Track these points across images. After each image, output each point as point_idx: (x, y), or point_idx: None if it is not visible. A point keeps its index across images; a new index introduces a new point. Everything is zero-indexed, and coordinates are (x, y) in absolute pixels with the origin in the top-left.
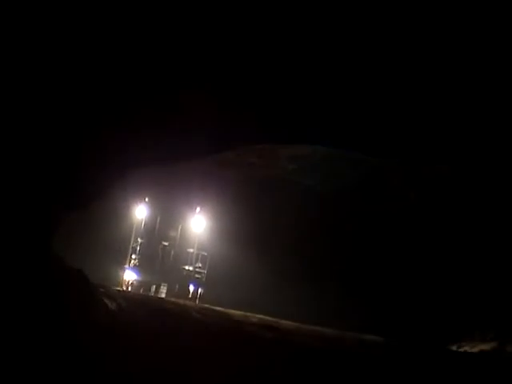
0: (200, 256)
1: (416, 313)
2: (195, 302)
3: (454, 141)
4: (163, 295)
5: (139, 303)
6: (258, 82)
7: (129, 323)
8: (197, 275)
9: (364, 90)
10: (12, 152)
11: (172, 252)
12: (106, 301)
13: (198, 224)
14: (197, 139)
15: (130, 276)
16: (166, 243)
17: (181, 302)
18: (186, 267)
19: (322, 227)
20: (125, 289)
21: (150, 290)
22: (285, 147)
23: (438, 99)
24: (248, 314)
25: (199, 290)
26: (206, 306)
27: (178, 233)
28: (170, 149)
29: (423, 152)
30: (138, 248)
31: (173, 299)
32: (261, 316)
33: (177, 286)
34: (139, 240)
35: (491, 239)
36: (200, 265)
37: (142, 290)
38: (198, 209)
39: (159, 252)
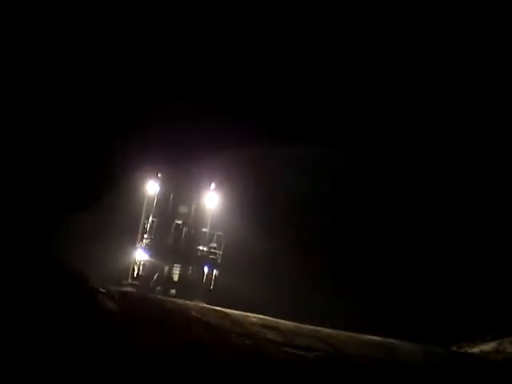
0: (215, 236)
1: (415, 313)
2: (209, 285)
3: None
4: (176, 277)
5: (139, 303)
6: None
7: (128, 323)
8: (211, 256)
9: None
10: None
11: (185, 231)
12: (106, 301)
13: (213, 202)
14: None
15: (141, 257)
16: (179, 222)
17: (181, 301)
18: (201, 247)
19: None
20: (136, 270)
21: (162, 272)
22: None
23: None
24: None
25: (214, 272)
26: (207, 306)
27: (192, 211)
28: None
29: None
30: (150, 227)
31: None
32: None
33: (190, 268)
34: (151, 218)
35: (491, 239)
36: (215, 245)
37: (154, 272)
38: (213, 185)
39: (172, 231)
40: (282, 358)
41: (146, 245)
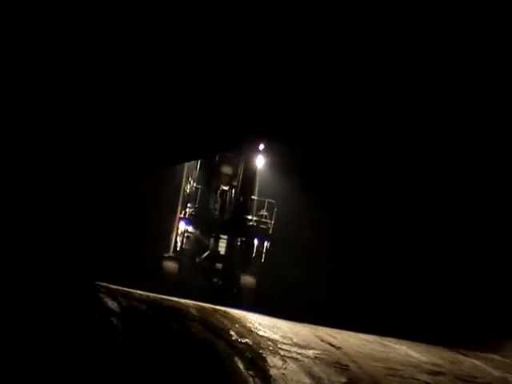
0: (266, 204)
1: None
2: (260, 258)
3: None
4: (222, 250)
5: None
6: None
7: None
8: (262, 226)
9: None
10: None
11: (232, 199)
12: (107, 299)
13: (262, 165)
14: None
15: (184, 228)
16: (225, 188)
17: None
18: (249, 217)
19: None
20: (179, 244)
21: (207, 245)
22: None
23: None
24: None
25: (265, 245)
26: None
27: (240, 176)
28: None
29: None
30: (194, 195)
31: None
32: None
33: (239, 240)
34: (194, 185)
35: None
36: (266, 213)
37: (198, 245)
38: (262, 146)
39: (217, 199)
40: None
41: (189, 215)
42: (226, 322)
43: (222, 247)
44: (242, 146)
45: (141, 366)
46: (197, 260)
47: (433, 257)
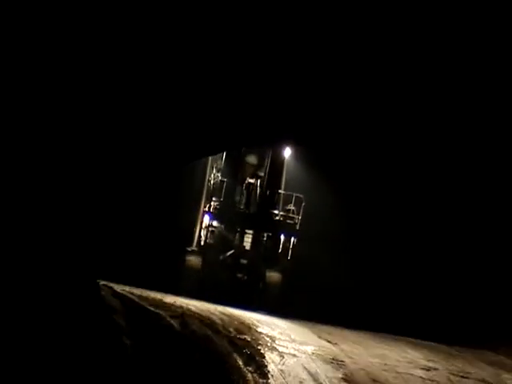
0: (293, 198)
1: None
2: (286, 255)
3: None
4: (248, 245)
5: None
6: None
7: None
8: (288, 221)
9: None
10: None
11: (258, 192)
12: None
13: (290, 157)
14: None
15: (208, 222)
16: (251, 181)
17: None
18: (276, 211)
19: None
20: (203, 238)
21: (232, 239)
22: None
23: None
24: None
25: (292, 240)
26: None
27: (266, 168)
28: None
29: None
30: (219, 188)
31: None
32: None
33: (265, 235)
34: (219, 176)
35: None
36: (293, 208)
37: (222, 240)
38: (290, 140)
39: (243, 192)
40: None
41: (214, 208)
42: (225, 318)
43: (248, 242)
44: (270, 143)
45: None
46: (221, 257)
47: (435, 256)
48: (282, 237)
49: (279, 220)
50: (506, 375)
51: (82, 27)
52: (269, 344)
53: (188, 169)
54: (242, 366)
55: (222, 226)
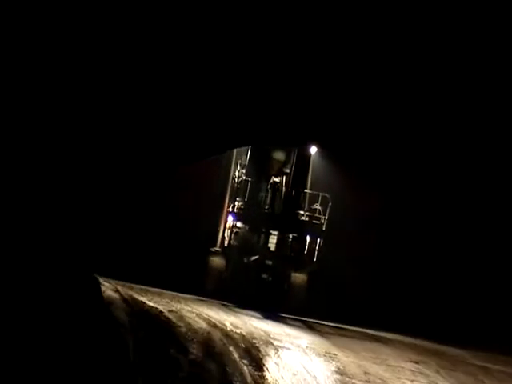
0: (319, 198)
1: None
2: (312, 256)
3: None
4: (273, 246)
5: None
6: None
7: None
8: (315, 221)
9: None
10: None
11: (284, 191)
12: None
13: (316, 154)
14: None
15: (232, 223)
16: (276, 180)
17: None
18: (302, 212)
19: None
20: (227, 241)
21: (257, 240)
22: None
23: None
24: None
25: (318, 241)
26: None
27: (292, 166)
28: None
29: None
30: (243, 188)
31: None
32: None
33: (290, 236)
34: (243, 173)
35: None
36: (319, 208)
37: (247, 241)
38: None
39: (268, 192)
40: None
41: (238, 209)
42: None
43: (272, 243)
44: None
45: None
46: (245, 260)
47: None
48: (308, 238)
49: (305, 220)
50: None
51: (83, 27)
52: None
53: (213, 165)
54: None
55: (247, 227)
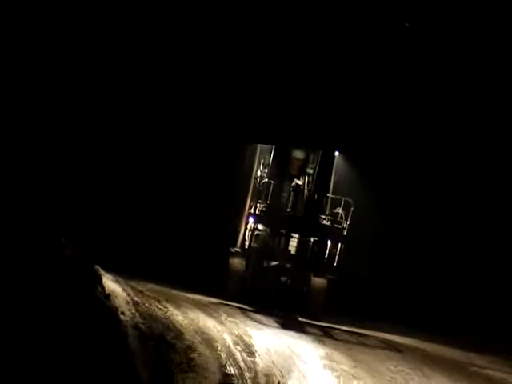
0: (342, 203)
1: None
2: (333, 261)
3: None
4: (293, 249)
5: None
6: None
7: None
8: (336, 226)
9: None
10: None
11: (306, 195)
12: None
13: (340, 159)
14: None
15: (253, 225)
16: (299, 182)
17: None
18: (323, 216)
19: None
20: (247, 242)
21: (277, 243)
22: None
23: None
24: None
25: (339, 246)
26: None
27: (315, 169)
28: None
29: None
30: (265, 190)
31: None
32: None
33: (311, 240)
34: (265, 173)
35: None
36: (341, 212)
37: (267, 243)
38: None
39: (290, 194)
40: None
41: (260, 211)
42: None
43: (293, 246)
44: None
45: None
46: (265, 264)
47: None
48: (329, 242)
49: (326, 225)
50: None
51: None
52: None
53: (236, 163)
54: None
55: (268, 230)
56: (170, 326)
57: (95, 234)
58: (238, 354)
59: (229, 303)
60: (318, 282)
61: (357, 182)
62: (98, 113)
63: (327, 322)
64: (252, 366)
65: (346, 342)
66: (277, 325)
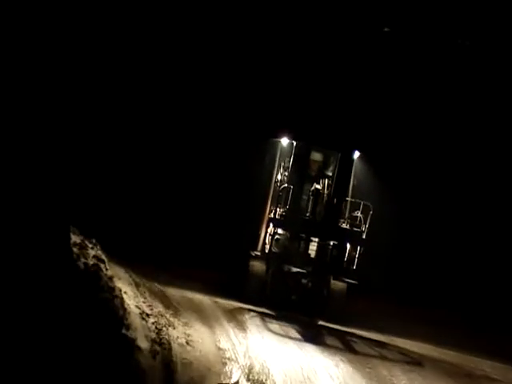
0: (361, 206)
1: None
2: (352, 264)
3: None
4: (313, 253)
5: None
6: None
7: None
8: (355, 229)
9: None
10: None
11: (325, 199)
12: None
13: (359, 165)
14: None
15: (273, 229)
16: (318, 186)
17: None
18: (342, 220)
19: None
20: (267, 245)
21: (297, 247)
22: None
23: None
24: None
25: (358, 249)
26: None
27: (334, 172)
28: None
29: None
30: (285, 195)
31: None
32: None
33: (330, 243)
34: (285, 179)
35: None
36: (360, 216)
37: (287, 247)
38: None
39: (310, 198)
40: None
41: (279, 215)
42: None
43: (312, 250)
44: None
45: None
46: (285, 269)
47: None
48: (348, 245)
49: (345, 228)
50: None
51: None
52: None
53: (256, 164)
54: None
55: (288, 235)
56: None
57: (123, 240)
58: None
59: (249, 307)
60: (338, 285)
61: (375, 184)
62: (118, 107)
63: (347, 326)
64: None
65: (367, 356)
66: (297, 336)
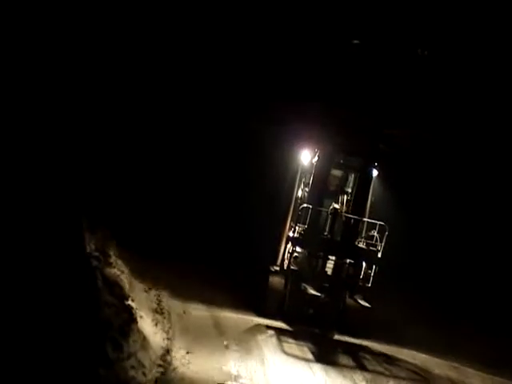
0: (377, 226)
1: None
2: (367, 282)
3: None
4: (330, 271)
5: None
6: None
7: None
8: (371, 248)
9: None
10: None
11: (343, 219)
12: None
13: (376, 186)
14: None
15: (292, 247)
16: (337, 206)
17: None
18: (359, 239)
19: None
20: (286, 262)
21: (315, 265)
22: None
23: None
24: None
25: (373, 268)
26: None
27: (352, 194)
28: None
29: None
30: (304, 214)
31: None
32: None
33: (347, 262)
34: (305, 196)
35: None
36: (376, 235)
37: (306, 265)
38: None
39: (328, 217)
40: None
41: (299, 234)
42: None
43: (329, 267)
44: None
45: None
46: (302, 287)
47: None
48: (364, 264)
49: (362, 248)
50: None
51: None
52: None
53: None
54: None
55: (306, 253)
56: None
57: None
58: None
59: (267, 323)
60: (354, 303)
61: (393, 201)
62: (122, 107)
63: (363, 338)
64: None
65: (379, 375)
66: (310, 356)
